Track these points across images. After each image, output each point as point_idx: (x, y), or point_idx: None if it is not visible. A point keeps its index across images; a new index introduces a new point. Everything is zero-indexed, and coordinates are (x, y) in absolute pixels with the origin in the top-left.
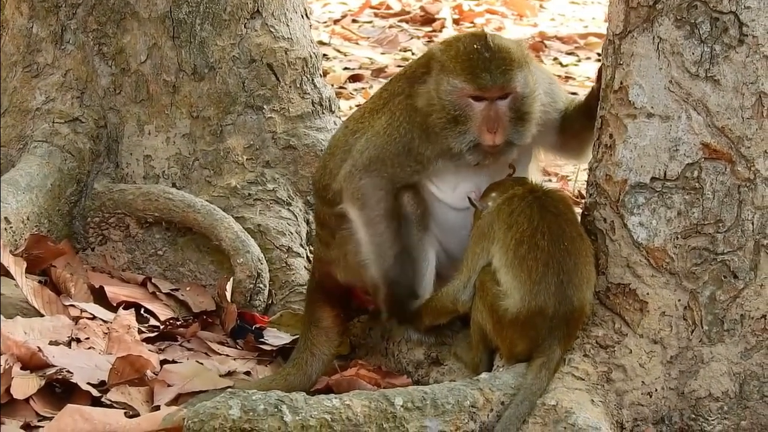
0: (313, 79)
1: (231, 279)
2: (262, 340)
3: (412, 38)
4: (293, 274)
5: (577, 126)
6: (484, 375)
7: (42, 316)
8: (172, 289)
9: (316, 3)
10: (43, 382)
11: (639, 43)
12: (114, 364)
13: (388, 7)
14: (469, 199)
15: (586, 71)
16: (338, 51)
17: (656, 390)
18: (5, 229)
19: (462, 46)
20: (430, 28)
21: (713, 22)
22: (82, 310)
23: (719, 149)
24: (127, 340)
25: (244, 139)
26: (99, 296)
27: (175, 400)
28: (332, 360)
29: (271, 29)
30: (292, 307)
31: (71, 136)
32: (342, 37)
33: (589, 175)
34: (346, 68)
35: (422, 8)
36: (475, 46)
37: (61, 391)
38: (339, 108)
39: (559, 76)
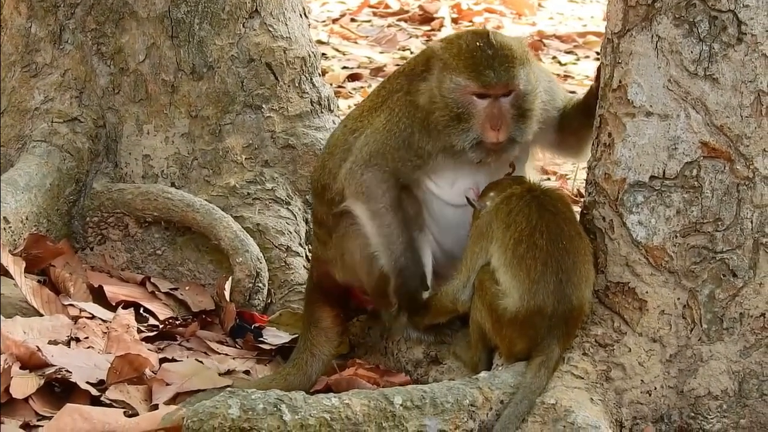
0: (311, 79)
1: (230, 278)
2: (261, 339)
3: (410, 37)
4: (292, 273)
5: (576, 124)
6: (483, 374)
7: (41, 315)
8: (171, 289)
9: (315, 2)
10: (42, 382)
11: (638, 41)
12: (113, 363)
13: (387, 6)
14: (468, 198)
15: (584, 70)
16: (337, 50)
17: (655, 388)
18: (4, 228)
19: (464, 43)
20: (428, 27)
21: (712, 21)
22: (81, 310)
23: (718, 148)
24: (127, 340)
25: (242, 139)
26: (98, 296)
27: (174, 399)
28: (332, 360)
29: (270, 28)
30: (291, 306)
31: (70, 136)
32: (341, 36)
33: (588, 174)
34: (344, 67)
35: (421, 7)
36: (477, 43)
37: (60, 390)
38: (338, 107)
39: (558, 74)
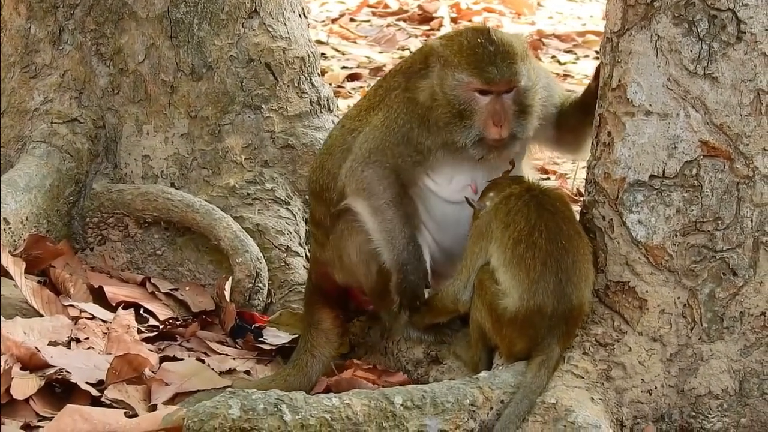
0: (311, 79)
1: (230, 278)
2: (262, 339)
3: (410, 37)
4: (292, 273)
5: (573, 122)
6: (483, 373)
7: (41, 316)
8: (171, 289)
9: (314, 2)
10: (42, 383)
11: (637, 40)
12: (112, 363)
13: (386, 6)
14: (467, 199)
15: (584, 69)
16: (336, 50)
17: (656, 388)
18: (4, 229)
19: (465, 40)
20: (427, 27)
21: (711, 20)
22: (81, 310)
23: (718, 147)
24: (127, 340)
25: (242, 139)
26: (98, 296)
27: (172, 399)
28: (332, 361)
29: (269, 29)
30: (291, 306)
31: (70, 137)
32: (340, 36)
33: (587, 173)
34: (344, 67)
35: (420, 7)
36: (479, 39)
37: (60, 391)
38: (337, 107)
39: (558, 74)
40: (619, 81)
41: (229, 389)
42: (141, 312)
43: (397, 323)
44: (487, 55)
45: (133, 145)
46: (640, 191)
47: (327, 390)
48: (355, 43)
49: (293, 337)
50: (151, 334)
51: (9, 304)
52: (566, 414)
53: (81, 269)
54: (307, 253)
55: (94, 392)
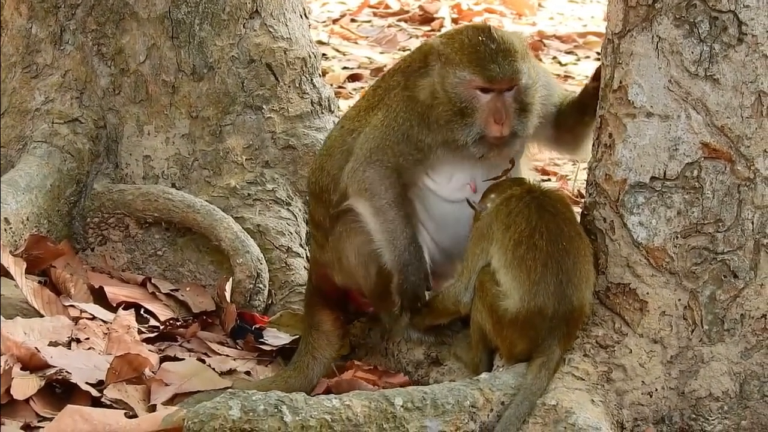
0: (312, 79)
1: (231, 279)
2: (262, 340)
3: (410, 37)
4: (293, 274)
5: (571, 121)
6: (484, 375)
7: (42, 316)
8: (171, 290)
9: (315, 2)
10: (43, 383)
11: (638, 42)
12: (112, 363)
13: (387, 7)
14: (468, 200)
15: (585, 70)
16: (337, 50)
17: (656, 390)
18: (5, 229)
19: (466, 38)
20: (428, 28)
21: (712, 21)
22: (81, 311)
23: (719, 148)
24: (127, 341)
25: (243, 139)
26: (99, 296)
27: (172, 400)
28: (333, 362)
29: (270, 29)
30: (291, 307)
31: (70, 137)
32: (341, 37)
33: (588, 175)
34: (345, 68)
35: (421, 7)
36: (480, 38)
37: (61, 391)
38: (338, 108)
39: (558, 75)
40: (621, 82)
41: (230, 390)
42: (141, 312)
43: (398, 324)
44: (488, 53)
45: (134, 146)
46: (641, 193)
47: (327, 391)
48: (356, 43)
49: (294, 338)
50: (152, 335)
51: (9, 304)
52: (567, 416)
53: (82, 269)
54: (308, 254)
55: (95, 392)
